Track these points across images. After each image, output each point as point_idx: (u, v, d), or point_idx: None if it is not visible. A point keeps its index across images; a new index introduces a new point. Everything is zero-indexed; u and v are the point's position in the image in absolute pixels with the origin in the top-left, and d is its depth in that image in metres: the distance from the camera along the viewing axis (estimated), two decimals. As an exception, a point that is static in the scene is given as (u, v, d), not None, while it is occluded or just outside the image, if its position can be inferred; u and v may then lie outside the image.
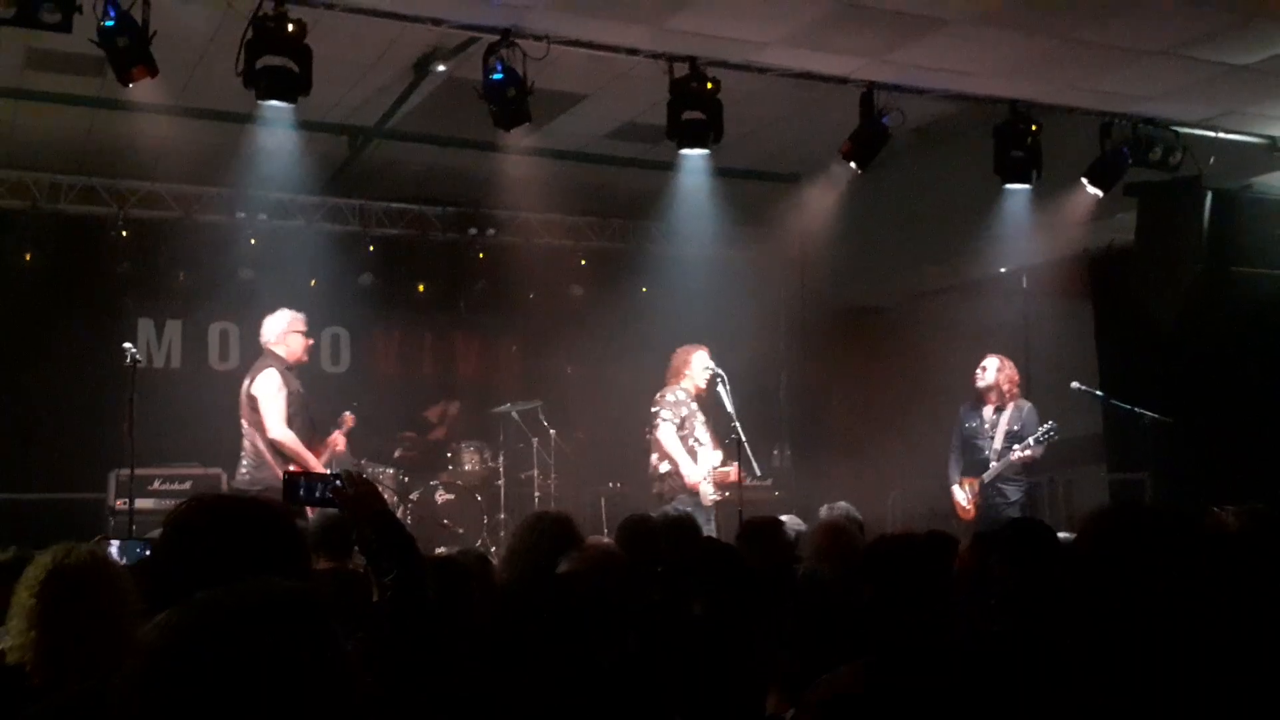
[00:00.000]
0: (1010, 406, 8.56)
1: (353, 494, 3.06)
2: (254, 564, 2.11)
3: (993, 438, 8.53)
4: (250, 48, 6.63)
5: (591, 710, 2.94)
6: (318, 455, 7.56)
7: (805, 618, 3.70)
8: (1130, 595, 2.83)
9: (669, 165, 9.29)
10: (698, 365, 8.41)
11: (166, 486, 9.45)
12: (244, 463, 7.57)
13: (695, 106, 7.82)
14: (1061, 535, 5.26)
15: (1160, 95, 8.61)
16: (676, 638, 3.58)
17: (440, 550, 8.02)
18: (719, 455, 8.26)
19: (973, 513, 8.45)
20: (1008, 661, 3.01)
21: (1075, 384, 8.90)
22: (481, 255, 11.80)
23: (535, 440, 10.25)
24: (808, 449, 11.91)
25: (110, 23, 6.36)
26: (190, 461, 9.90)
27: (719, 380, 8.26)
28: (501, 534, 9.42)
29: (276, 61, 6.69)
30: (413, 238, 11.73)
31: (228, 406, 10.61)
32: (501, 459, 10.25)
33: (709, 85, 7.78)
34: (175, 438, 9.83)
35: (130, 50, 6.45)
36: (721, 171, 9.44)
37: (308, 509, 4.98)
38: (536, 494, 10.17)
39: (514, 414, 10.32)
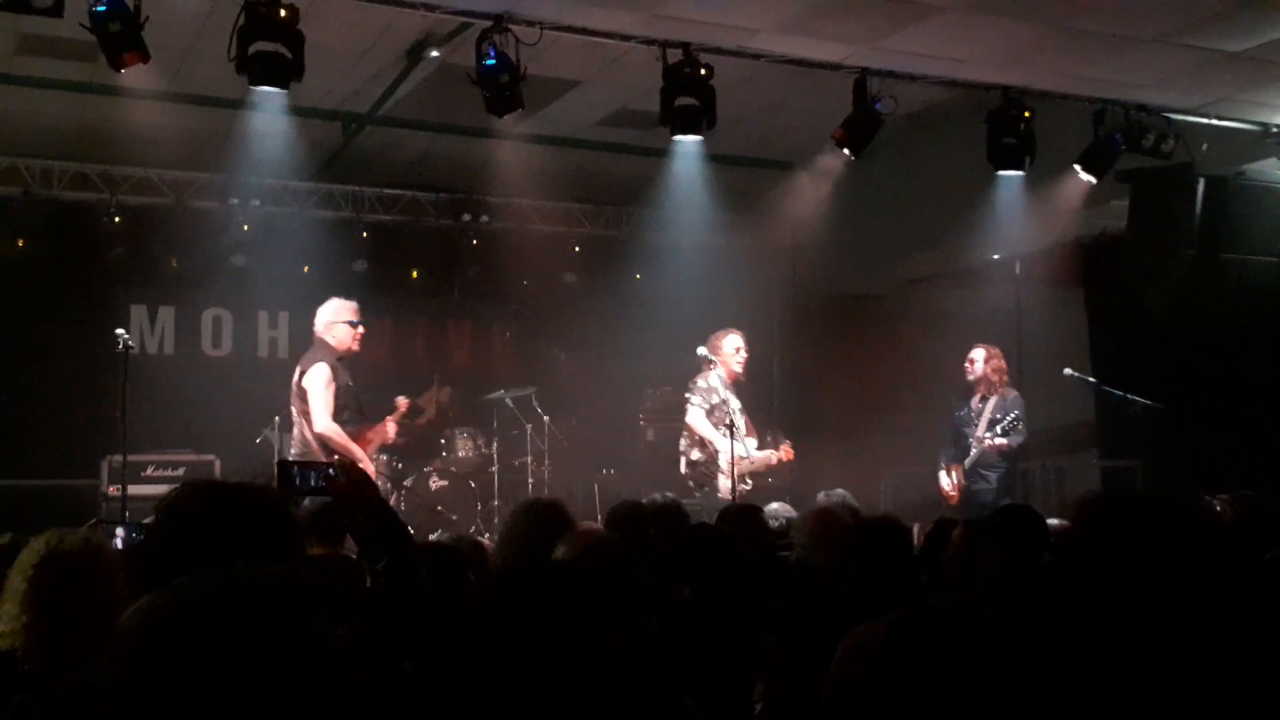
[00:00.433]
0: (995, 396, 8.63)
1: (345, 482, 3.07)
2: (246, 549, 2.11)
3: (977, 425, 8.62)
4: (243, 33, 6.62)
5: (587, 696, 2.95)
6: (367, 444, 7.55)
7: (795, 605, 3.72)
8: (1121, 580, 2.86)
9: (662, 151, 9.29)
10: (728, 348, 8.43)
11: (159, 473, 9.46)
12: (292, 450, 7.60)
13: (689, 93, 7.82)
14: (1052, 522, 5.30)
15: (1153, 82, 8.62)
16: (666, 622, 3.59)
17: (434, 536, 8.05)
18: (753, 443, 8.29)
19: (957, 498, 8.56)
20: (996, 647, 3.03)
21: (1067, 370, 8.95)
22: (475, 242, 11.80)
23: (529, 427, 10.26)
24: (800, 436, 11.89)
25: (102, 8, 6.35)
26: (183, 448, 9.91)
27: (711, 367, 8.29)
28: (495, 520, 9.43)
29: (269, 47, 6.69)
30: (406, 224, 11.73)
31: (220, 393, 10.71)
32: (495, 445, 10.26)
33: (702, 71, 7.77)
34: (168, 424, 9.85)
35: (122, 35, 6.44)
36: (714, 158, 9.45)
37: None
38: (530, 480, 10.18)
39: (507, 400, 10.33)
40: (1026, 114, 8.58)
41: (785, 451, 8.32)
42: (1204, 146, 9.07)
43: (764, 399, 12.13)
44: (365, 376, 10.83)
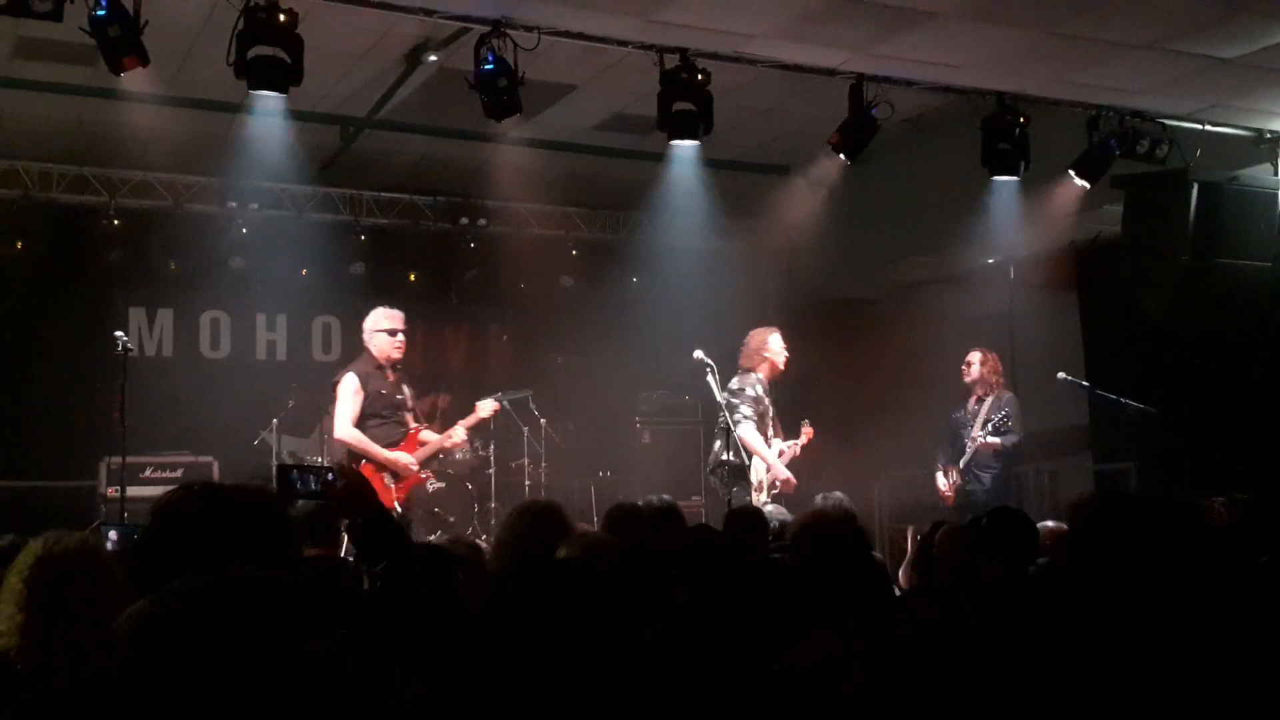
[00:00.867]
0: (991, 397, 8.72)
1: (343, 486, 3.10)
2: (241, 551, 2.13)
3: (973, 426, 8.69)
4: (242, 38, 6.64)
5: (587, 697, 2.98)
6: (411, 449, 7.58)
7: (784, 607, 3.74)
8: (1117, 582, 2.88)
9: (659, 156, 9.31)
10: (775, 345, 8.45)
11: (158, 474, 9.48)
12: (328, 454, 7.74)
13: (685, 98, 7.85)
14: (1047, 524, 5.34)
15: (1147, 88, 8.66)
16: (665, 624, 3.62)
17: (431, 538, 8.07)
18: (779, 443, 8.35)
19: (952, 498, 8.62)
20: (990, 649, 3.05)
21: (1061, 374, 9.00)
22: (472, 245, 11.82)
23: (525, 429, 10.29)
24: (794, 439, 11.95)
25: (102, 12, 6.35)
26: (182, 450, 9.94)
27: (708, 370, 8.30)
28: (492, 522, 9.45)
29: (268, 51, 6.71)
30: (404, 227, 11.75)
31: (219, 395, 10.72)
32: (492, 448, 10.28)
33: (699, 76, 7.80)
34: (167, 426, 9.87)
35: (122, 39, 6.45)
36: (711, 163, 9.47)
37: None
38: (527, 483, 10.21)
39: (504, 403, 10.34)
40: (1021, 119, 8.61)
41: (807, 432, 8.37)
42: (1198, 152, 9.10)
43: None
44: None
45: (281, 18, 6.64)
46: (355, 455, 7.41)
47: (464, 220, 11.68)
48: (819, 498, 6.62)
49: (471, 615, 3.51)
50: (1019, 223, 9.65)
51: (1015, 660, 2.90)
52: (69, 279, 10.77)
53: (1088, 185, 9.08)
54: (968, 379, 8.88)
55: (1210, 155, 9.17)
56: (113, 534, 6.02)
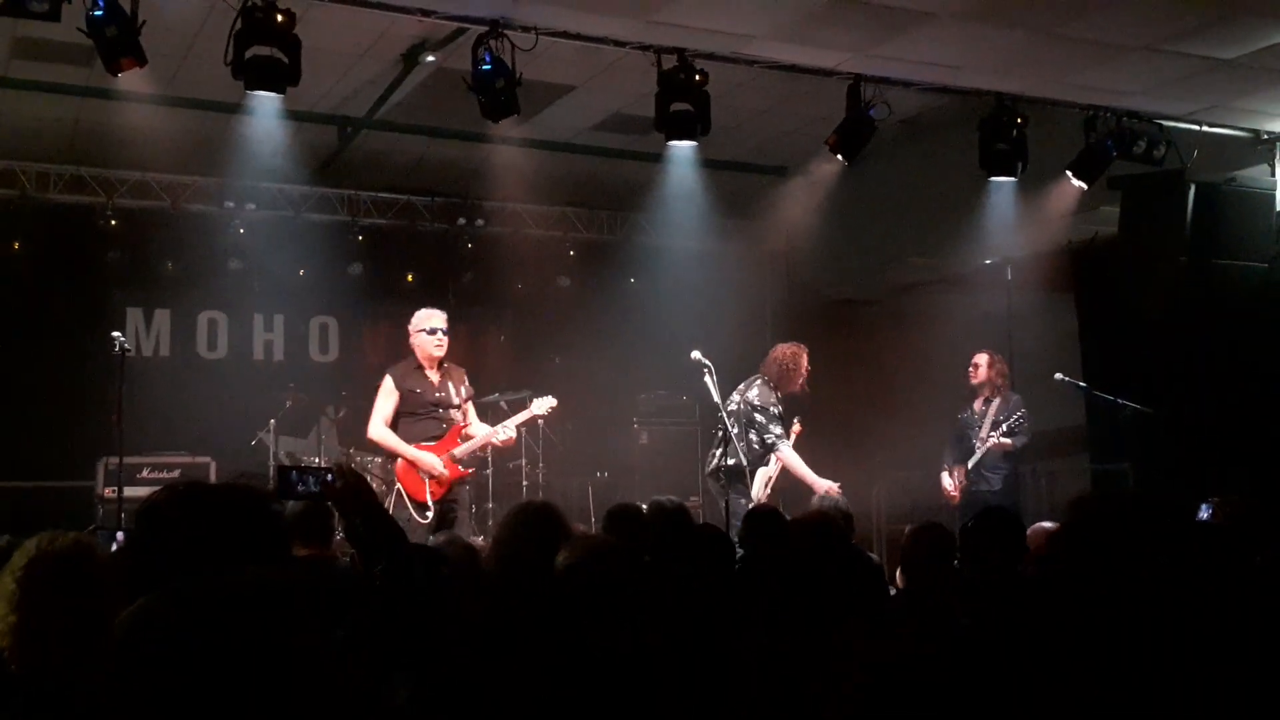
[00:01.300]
0: (999, 399, 8.74)
1: (341, 486, 3.10)
2: (231, 551, 2.13)
3: (981, 427, 8.69)
4: (239, 38, 6.63)
5: (587, 698, 2.97)
6: (451, 444, 7.60)
7: (779, 605, 3.74)
8: (1114, 581, 2.88)
9: (657, 156, 9.32)
10: (805, 367, 8.43)
11: (155, 475, 9.46)
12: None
13: (683, 98, 7.84)
14: (1045, 525, 5.35)
15: (1144, 89, 8.67)
16: (664, 625, 3.62)
17: (428, 539, 8.06)
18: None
19: (958, 498, 8.62)
20: (989, 649, 3.05)
21: (1058, 375, 9.01)
22: (470, 246, 11.82)
23: (523, 430, 10.28)
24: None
25: (99, 12, 6.35)
26: (179, 450, 9.93)
27: (706, 370, 8.30)
28: (489, 523, 9.45)
29: (265, 52, 6.70)
30: (401, 228, 11.75)
31: (216, 395, 10.71)
32: (489, 448, 10.27)
33: (697, 77, 7.80)
34: (163, 426, 9.87)
35: (119, 40, 6.45)
36: (709, 163, 9.48)
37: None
38: (524, 483, 10.21)
39: (502, 404, 10.32)
40: (1019, 120, 8.62)
41: (796, 430, 8.40)
42: (1195, 153, 9.11)
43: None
44: (361, 379, 10.90)
45: (279, 18, 6.64)
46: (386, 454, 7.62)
47: (462, 221, 11.69)
48: (815, 499, 6.64)
49: (469, 616, 3.51)
50: (1016, 223, 9.66)
51: (1015, 659, 2.90)
52: (66, 279, 10.76)
53: (1085, 186, 9.09)
54: (975, 380, 8.87)
55: (1207, 156, 9.18)
56: (119, 535, 6.04)
